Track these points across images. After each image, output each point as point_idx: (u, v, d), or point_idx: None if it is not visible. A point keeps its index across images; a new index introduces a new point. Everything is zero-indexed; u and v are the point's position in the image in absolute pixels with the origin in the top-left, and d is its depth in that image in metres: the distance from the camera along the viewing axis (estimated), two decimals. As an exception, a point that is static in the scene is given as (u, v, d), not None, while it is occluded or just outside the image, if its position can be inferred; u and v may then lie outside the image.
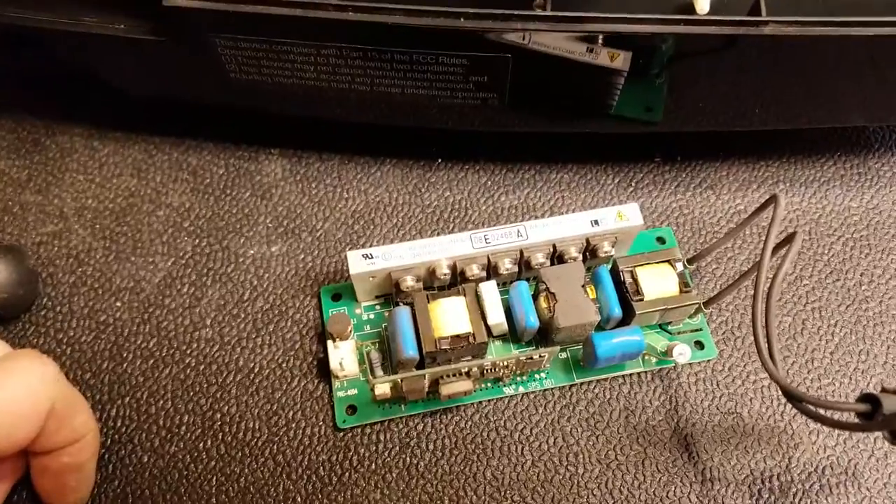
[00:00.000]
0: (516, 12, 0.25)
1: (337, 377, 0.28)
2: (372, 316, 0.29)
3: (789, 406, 0.28)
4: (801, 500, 0.27)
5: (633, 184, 0.33)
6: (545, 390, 0.29)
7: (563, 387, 0.29)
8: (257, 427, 0.28)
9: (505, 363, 0.27)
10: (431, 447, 0.28)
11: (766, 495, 0.27)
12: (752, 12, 0.25)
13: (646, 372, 0.29)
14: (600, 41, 0.26)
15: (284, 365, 0.29)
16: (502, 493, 0.27)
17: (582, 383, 0.29)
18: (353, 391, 0.28)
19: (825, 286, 0.31)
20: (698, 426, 0.28)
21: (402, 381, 0.26)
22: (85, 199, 0.32)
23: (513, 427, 0.28)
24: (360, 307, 0.30)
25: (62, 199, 0.32)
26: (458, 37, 0.25)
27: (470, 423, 0.28)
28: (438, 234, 0.32)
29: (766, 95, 0.28)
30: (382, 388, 0.27)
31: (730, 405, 0.29)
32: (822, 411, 0.23)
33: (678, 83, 0.28)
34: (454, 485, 0.27)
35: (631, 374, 0.29)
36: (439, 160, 0.33)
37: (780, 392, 0.29)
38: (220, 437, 0.28)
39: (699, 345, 0.29)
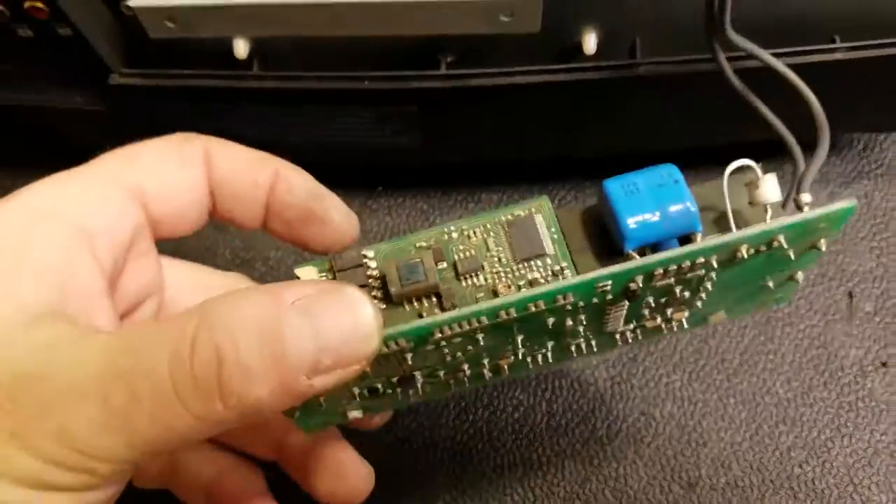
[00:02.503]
0: (414, 73, 0.27)
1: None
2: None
3: (699, 405, 0.31)
4: (707, 492, 0.30)
5: (555, 201, 0.35)
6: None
7: (485, 391, 0.32)
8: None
9: None
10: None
11: (676, 489, 0.30)
12: (630, 54, 0.28)
13: (569, 377, 0.32)
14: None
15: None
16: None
17: (508, 391, 0.32)
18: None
19: (737, 291, 0.33)
20: (612, 427, 0.31)
21: None
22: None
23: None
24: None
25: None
26: (366, 95, 0.28)
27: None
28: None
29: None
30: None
31: (643, 406, 0.31)
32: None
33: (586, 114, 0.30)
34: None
35: (553, 381, 0.32)
36: (379, 188, 0.36)
37: (690, 393, 0.31)
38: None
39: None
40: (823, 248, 0.20)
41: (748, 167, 0.20)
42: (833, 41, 0.27)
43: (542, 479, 0.30)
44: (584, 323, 0.20)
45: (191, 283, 0.24)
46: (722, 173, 0.20)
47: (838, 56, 0.26)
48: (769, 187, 0.19)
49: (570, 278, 0.19)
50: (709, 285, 0.20)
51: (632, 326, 0.21)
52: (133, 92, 0.29)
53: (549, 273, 0.19)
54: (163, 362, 0.15)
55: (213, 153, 0.21)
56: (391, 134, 0.30)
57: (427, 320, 0.18)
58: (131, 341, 0.16)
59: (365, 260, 0.20)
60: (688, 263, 0.18)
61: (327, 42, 0.28)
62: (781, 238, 0.18)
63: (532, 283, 0.19)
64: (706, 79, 0.27)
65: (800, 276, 0.21)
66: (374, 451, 0.30)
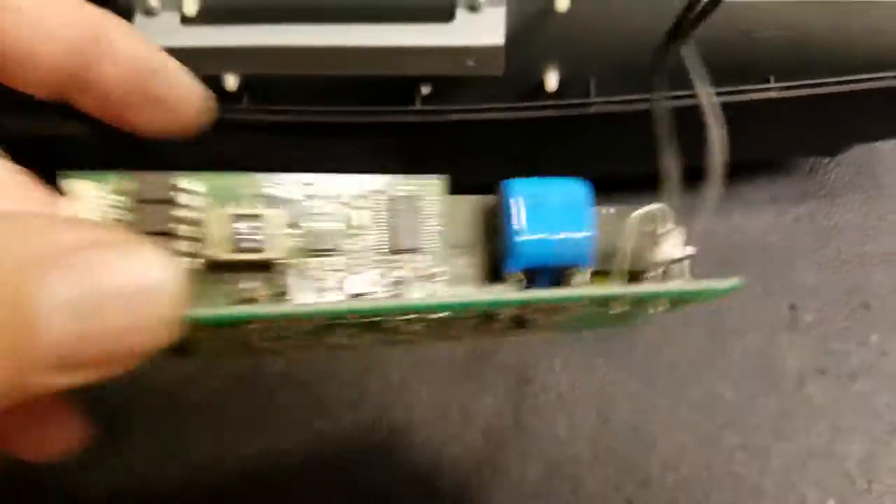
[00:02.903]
0: (390, 108, 0.30)
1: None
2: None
3: (651, 410, 0.34)
4: (657, 490, 0.33)
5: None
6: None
7: (455, 399, 0.35)
8: None
9: None
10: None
11: (629, 487, 0.33)
12: (586, 93, 0.30)
13: (534, 384, 0.35)
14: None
15: None
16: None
17: (479, 397, 0.35)
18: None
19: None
20: (572, 430, 0.34)
21: None
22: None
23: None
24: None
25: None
26: (347, 127, 0.31)
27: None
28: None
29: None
30: None
31: (600, 411, 0.34)
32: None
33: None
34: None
35: (521, 387, 0.35)
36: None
37: (643, 398, 0.34)
38: None
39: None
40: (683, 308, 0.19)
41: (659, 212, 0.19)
42: (768, 80, 0.29)
43: (508, 479, 0.33)
44: (426, 329, 0.17)
45: None
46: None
47: (772, 95, 0.29)
48: (671, 244, 0.19)
49: (441, 295, 0.16)
50: (561, 318, 0.19)
51: (466, 333, 0.20)
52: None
53: (421, 275, 0.17)
54: None
55: None
56: (375, 160, 0.33)
57: (245, 310, 0.14)
58: None
59: (175, 194, 0.15)
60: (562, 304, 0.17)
61: (312, 77, 0.30)
62: (664, 301, 0.18)
63: (398, 283, 0.17)
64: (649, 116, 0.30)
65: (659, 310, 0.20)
66: (352, 458, 0.33)
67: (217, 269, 0.15)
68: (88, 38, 0.16)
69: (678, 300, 0.19)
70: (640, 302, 0.18)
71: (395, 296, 0.16)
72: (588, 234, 0.17)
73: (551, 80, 0.30)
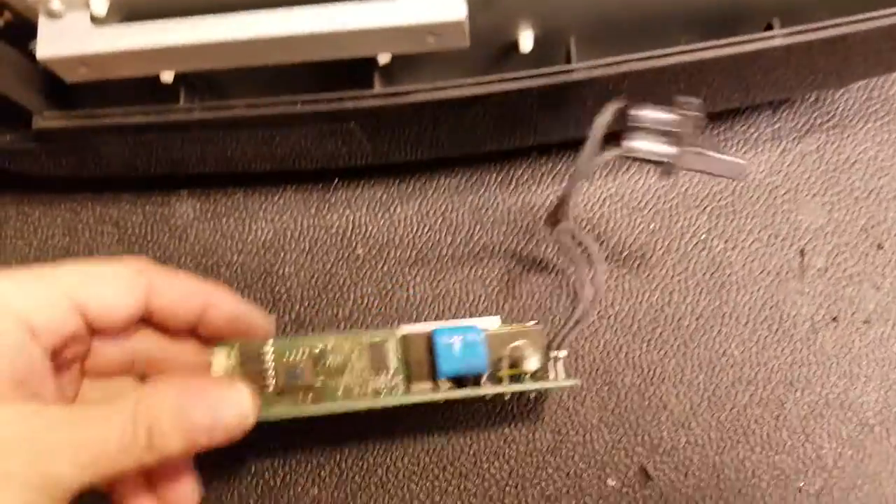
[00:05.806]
0: (347, 94, 0.27)
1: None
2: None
3: (657, 371, 0.33)
4: (669, 452, 0.32)
5: (513, 181, 0.35)
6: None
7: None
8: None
9: None
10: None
11: (640, 450, 0.32)
12: (566, 59, 0.27)
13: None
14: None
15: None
16: None
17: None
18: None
19: (690, 257, 0.34)
20: (578, 398, 0.33)
21: None
22: (28, 261, 0.36)
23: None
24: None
25: (9, 265, 0.36)
26: (301, 117, 0.28)
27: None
28: (344, 254, 0.35)
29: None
30: None
31: (605, 376, 0.33)
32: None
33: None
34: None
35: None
36: (336, 180, 0.36)
37: (649, 360, 0.33)
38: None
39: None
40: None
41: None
42: (771, 27, 0.26)
43: (516, 450, 0.32)
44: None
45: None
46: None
47: (777, 42, 0.26)
48: (531, 361, 0.28)
49: (400, 396, 0.28)
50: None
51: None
52: (61, 132, 0.28)
53: (388, 386, 0.28)
54: (114, 434, 0.22)
55: (156, 283, 0.26)
56: (336, 144, 0.30)
57: (295, 410, 0.27)
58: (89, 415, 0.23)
59: (262, 355, 0.27)
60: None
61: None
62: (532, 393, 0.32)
63: (375, 392, 0.28)
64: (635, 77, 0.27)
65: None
66: (374, 449, 0.32)
67: (280, 392, 0.27)
68: (205, 303, 0.27)
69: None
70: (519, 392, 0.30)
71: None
72: (481, 358, 0.28)
73: (526, 41, 0.27)
